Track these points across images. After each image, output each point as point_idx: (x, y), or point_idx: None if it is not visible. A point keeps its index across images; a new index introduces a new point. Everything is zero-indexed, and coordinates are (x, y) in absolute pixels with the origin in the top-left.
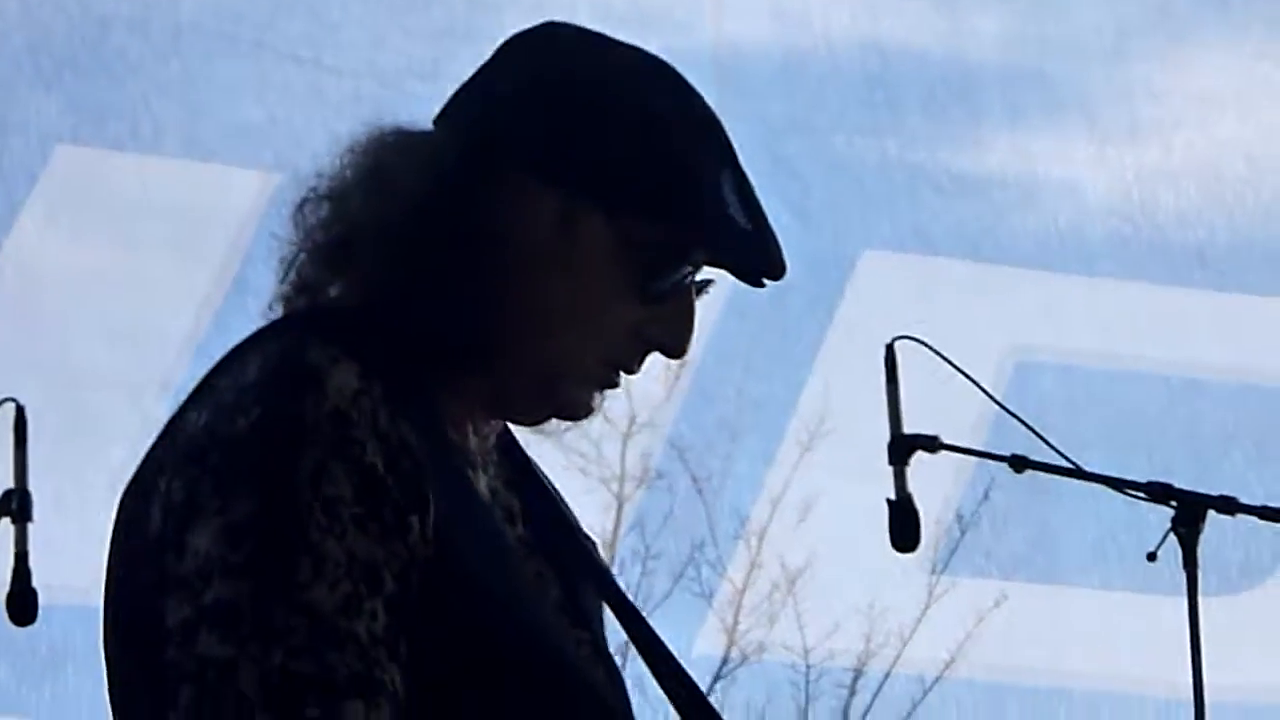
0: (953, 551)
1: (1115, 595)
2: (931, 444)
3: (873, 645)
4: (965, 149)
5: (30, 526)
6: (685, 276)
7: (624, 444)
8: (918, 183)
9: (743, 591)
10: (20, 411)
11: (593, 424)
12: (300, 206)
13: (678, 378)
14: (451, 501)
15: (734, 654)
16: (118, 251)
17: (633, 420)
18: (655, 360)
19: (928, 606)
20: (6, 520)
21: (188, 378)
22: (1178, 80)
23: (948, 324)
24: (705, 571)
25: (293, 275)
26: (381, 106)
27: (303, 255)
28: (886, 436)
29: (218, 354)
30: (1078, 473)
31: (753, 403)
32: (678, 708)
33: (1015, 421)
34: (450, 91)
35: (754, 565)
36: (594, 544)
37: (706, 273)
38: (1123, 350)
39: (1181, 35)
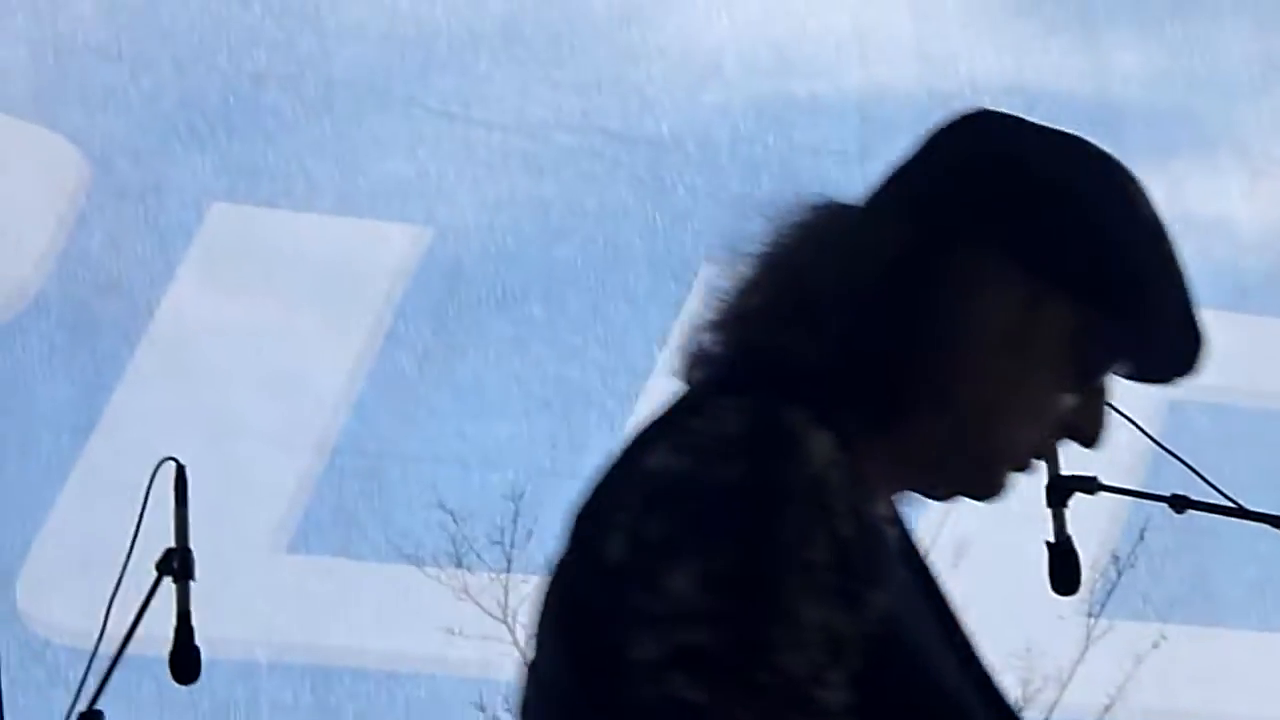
0: (1109, 594)
1: (1275, 636)
2: (1090, 485)
3: (1031, 689)
4: None
5: (191, 584)
6: (1115, 370)
7: None
8: None
9: None
10: (180, 470)
11: None
12: (739, 267)
13: None
14: (892, 578)
15: None
16: (272, 307)
17: None
18: None
19: (1086, 649)
20: (168, 579)
21: (343, 433)
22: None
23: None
24: None
25: (729, 331)
26: (530, 160)
27: (743, 313)
28: (1044, 479)
29: (375, 410)
30: (1238, 511)
31: None
32: None
33: (1171, 462)
34: (597, 141)
35: None
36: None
37: None
38: (1278, 389)
39: None
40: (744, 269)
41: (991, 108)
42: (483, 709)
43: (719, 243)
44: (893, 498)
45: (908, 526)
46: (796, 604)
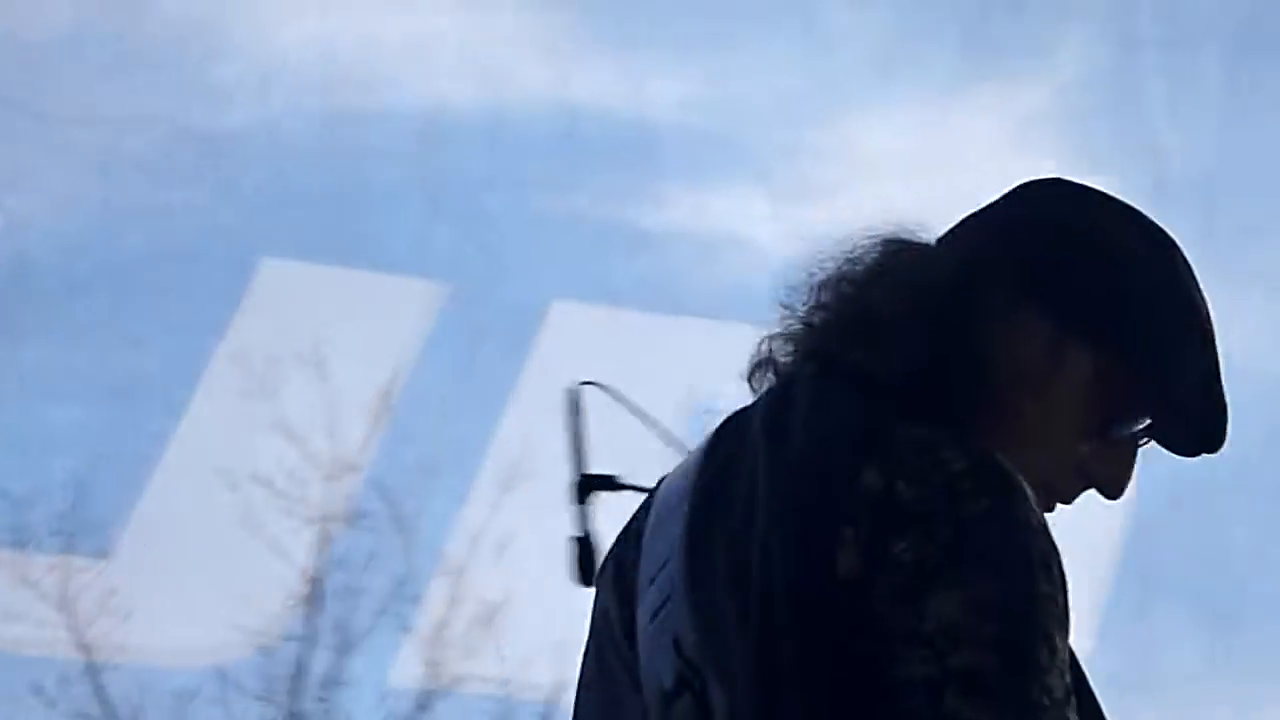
0: None
1: None
2: (611, 483)
3: (567, 677)
4: (648, 206)
5: None
6: (1140, 430)
7: (327, 485)
8: (604, 237)
9: (442, 626)
10: None
11: (296, 465)
12: (818, 283)
13: (378, 420)
14: None
15: (434, 686)
16: None
17: (336, 462)
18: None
19: None
20: None
21: None
22: (843, 144)
23: (631, 371)
24: (406, 607)
25: (804, 342)
26: (98, 155)
27: (819, 325)
28: (571, 476)
29: None
30: None
31: (451, 445)
32: None
33: None
34: (164, 138)
35: (453, 601)
36: None
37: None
38: None
39: (846, 103)
40: (832, 287)
41: (1062, 177)
42: (40, 691)
43: (283, 240)
44: None
45: None
46: (1051, 629)
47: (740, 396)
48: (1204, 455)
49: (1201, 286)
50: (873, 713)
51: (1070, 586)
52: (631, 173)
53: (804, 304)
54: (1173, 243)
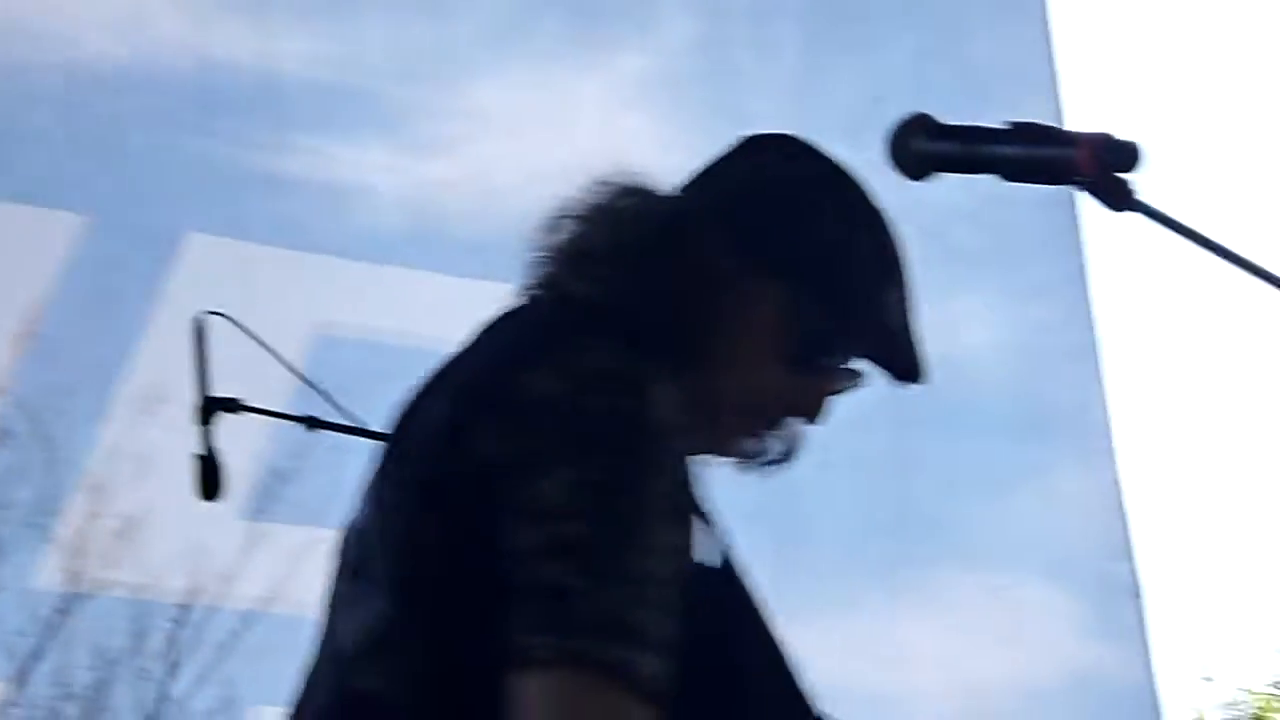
0: (269, 502)
1: None
2: (234, 406)
3: (199, 583)
4: (277, 152)
5: None
6: (834, 361)
7: None
8: (237, 179)
9: (83, 537)
10: None
11: None
12: (554, 223)
13: (21, 344)
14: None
15: (75, 590)
16: None
17: None
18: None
19: (249, 550)
20: None
21: None
22: (460, 102)
23: (260, 303)
24: (49, 520)
25: (542, 274)
26: None
27: (553, 261)
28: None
29: None
30: (367, 433)
31: (91, 368)
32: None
33: (322, 387)
34: None
35: (92, 514)
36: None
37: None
38: (413, 329)
39: (464, 64)
40: (565, 226)
41: (785, 134)
42: None
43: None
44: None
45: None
46: (654, 520)
47: (360, 328)
48: (909, 384)
49: (896, 237)
50: (492, 578)
51: (690, 499)
52: (263, 121)
53: (551, 239)
54: (865, 197)
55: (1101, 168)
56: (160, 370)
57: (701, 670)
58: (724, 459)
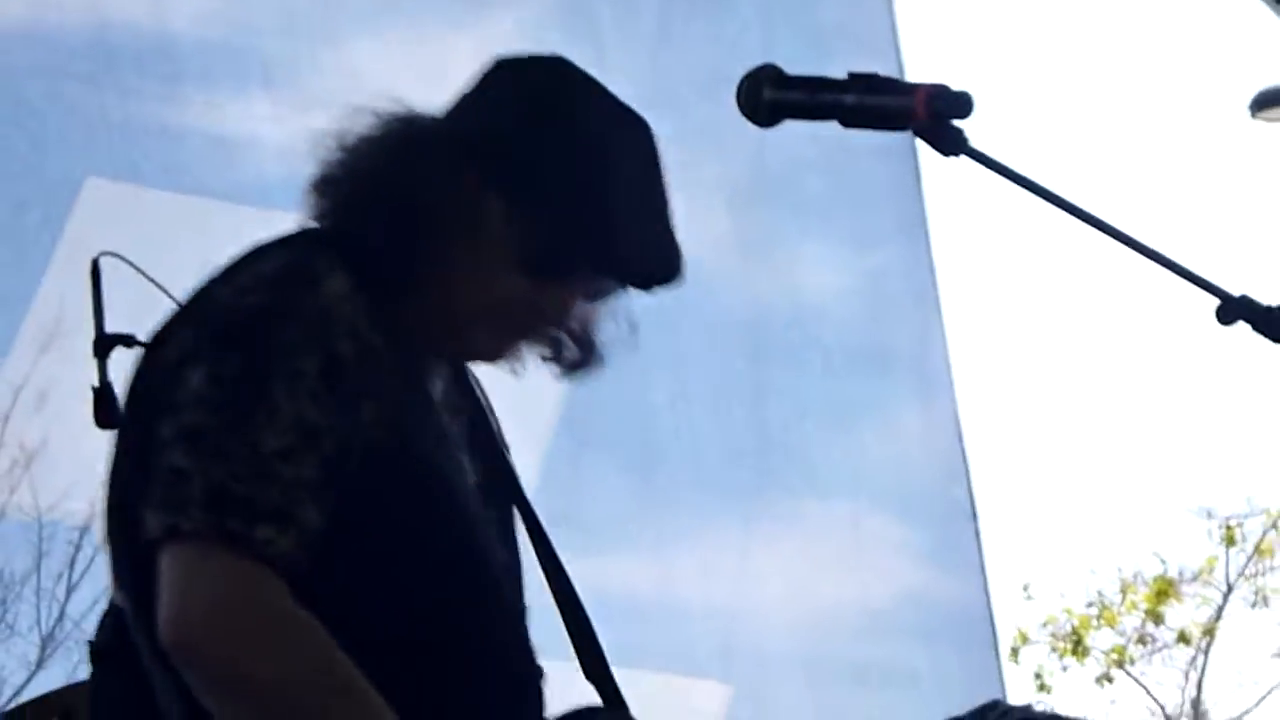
0: None
1: None
2: (129, 341)
3: (98, 508)
4: (172, 103)
5: None
6: (573, 270)
7: None
8: (134, 128)
9: None
10: None
11: None
12: (322, 153)
13: None
14: (407, 397)
15: None
16: None
17: None
18: None
19: None
20: None
21: None
22: (342, 59)
23: (155, 244)
24: None
25: (309, 200)
26: None
27: (311, 188)
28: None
29: None
30: None
31: None
32: (553, 589)
33: None
34: None
35: None
36: (508, 455)
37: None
38: None
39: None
40: (331, 154)
41: (534, 54)
42: None
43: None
44: (448, 354)
45: (468, 377)
46: (279, 398)
47: None
48: (658, 288)
49: (638, 149)
50: (143, 473)
51: (369, 371)
52: (156, 75)
53: (320, 165)
54: (603, 112)
55: (934, 115)
56: (60, 308)
57: (367, 543)
58: (497, 362)
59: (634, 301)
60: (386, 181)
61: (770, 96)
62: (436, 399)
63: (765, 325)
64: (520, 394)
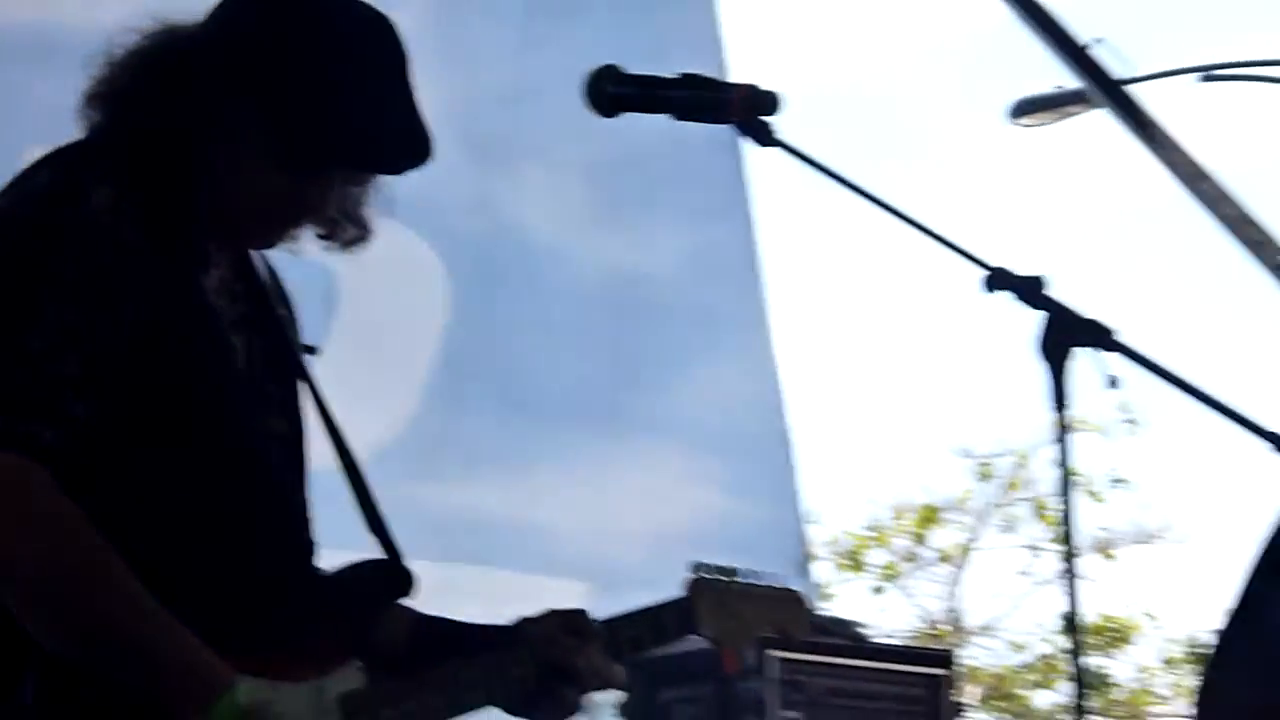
0: None
1: None
2: None
3: None
4: None
5: None
6: (325, 162)
7: None
8: None
9: None
10: None
11: None
12: (95, 70)
13: None
14: (171, 293)
15: None
16: None
17: None
18: None
19: None
20: None
21: None
22: None
23: None
24: None
25: (83, 115)
26: None
27: (85, 102)
28: None
29: None
30: None
31: None
32: (338, 453)
33: None
34: None
35: None
36: (292, 333)
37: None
38: None
39: None
40: (100, 68)
41: None
42: None
43: None
44: (236, 248)
45: (251, 264)
46: (43, 303)
47: None
48: (406, 171)
49: (375, 49)
50: None
51: (130, 275)
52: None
53: (91, 79)
54: (340, 21)
55: (748, 111)
56: None
57: (134, 431)
58: (274, 247)
59: (397, 182)
60: (147, 95)
61: (611, 91)
62: (212, 287)
63: (616, 283)
64: (405, 335)
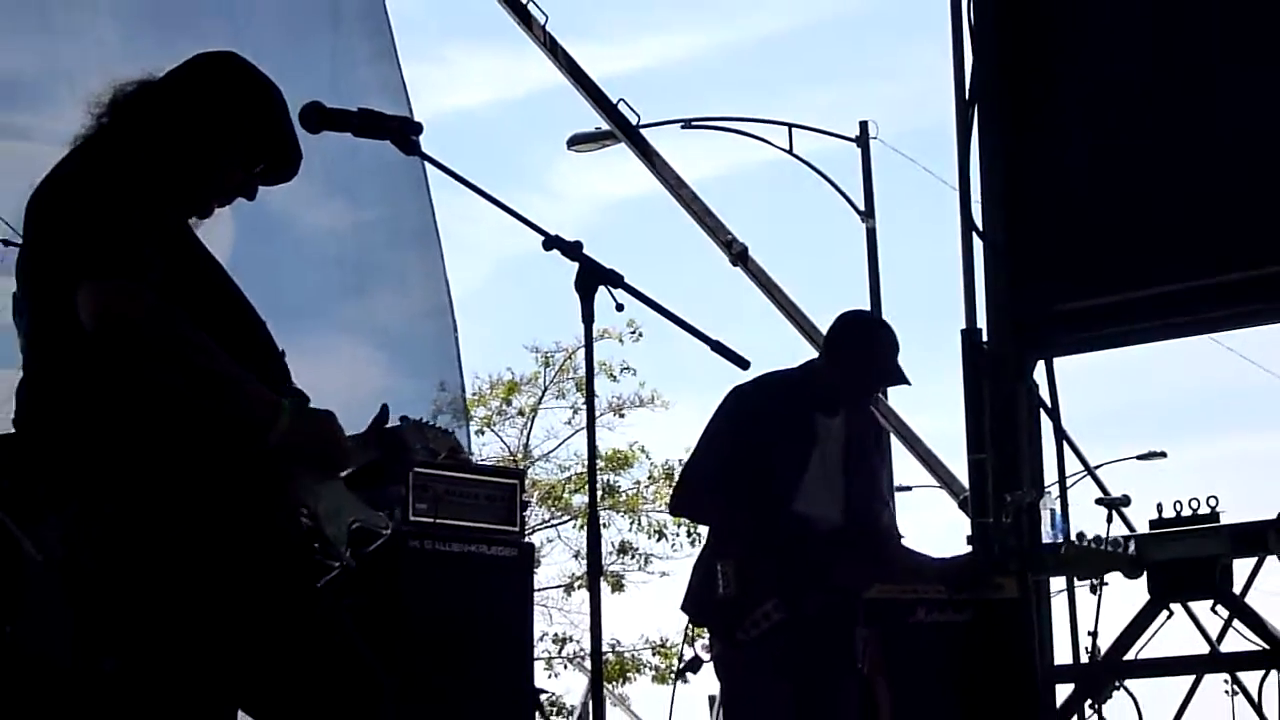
0: None
1: None
2: None
3: None
4: None
5: None
6: (257, 165)
7: None
8: None
9: None
10: None
11: None
12: (94, 110)
13: None
14: (186, 240)
15: None
16: None
17: None
18: None
19: None
20: None
21: None
22: None
23: None
24: None
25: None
26: None
27: (98, 127)
28: None
29: None
30: None
31: None
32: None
33: None
34: None
35: None
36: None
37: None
38: None
39: None
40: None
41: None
42: None
43: None
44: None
45: (192, 237)
46: (125, 215)
47: None
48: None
49: (271, 102)
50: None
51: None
52: None
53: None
54: (256, 81)
55: (400, 132)
56: None
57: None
58: (231, 199)
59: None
60: (148, 124)
61: (316, 118)
62: (196, 237)
63: (336, 236)
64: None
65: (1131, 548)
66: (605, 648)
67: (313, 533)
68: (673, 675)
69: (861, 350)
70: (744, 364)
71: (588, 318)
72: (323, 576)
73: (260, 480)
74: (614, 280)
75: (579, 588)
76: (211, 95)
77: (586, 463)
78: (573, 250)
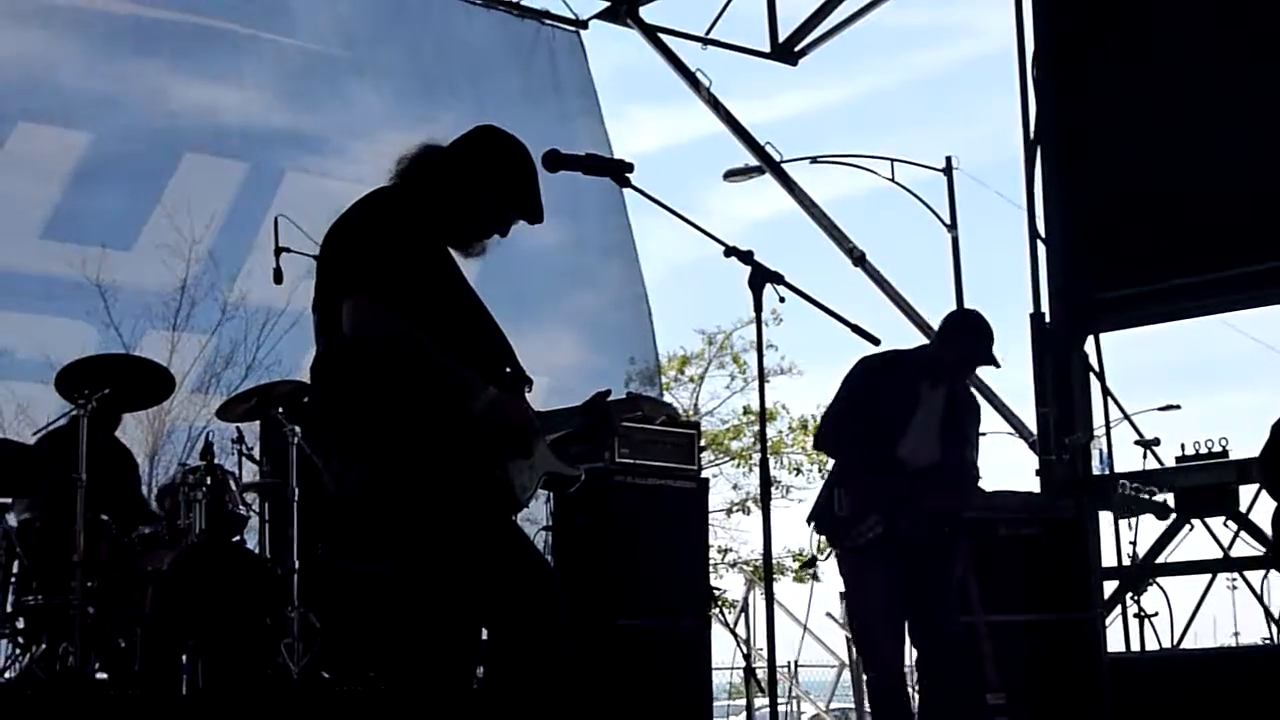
0: None
1: None
2: None
3: None
4: None
5: None
6: (510, 210)
7: None
8: None
9: None
10: None
11: None
12: (401, 160)
13: None
14: (438, 260)
15: None
16: None
17: None
18: None
19: None
20: None
21: None
22: None
23: None
24: None
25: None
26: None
27: (398, 174)
28: None
29: None
30: None
31: None
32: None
33: None
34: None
35: None
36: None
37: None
38: None
39: None
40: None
41: (489, 125)
42: None
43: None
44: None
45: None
46: (395, 243)
47: None
48: (537, 221)
49: (528, 165)
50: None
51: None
52: None
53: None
54: (514, 147)
55: (617, 171)
56: None
57: (435, 312)
58: (490, 237)
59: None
60: (433, 175)
61: (554, 161)
62: (455, 263)
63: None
64: None
65: (1160, 496)
66: (756, 556)
67: (503, 481)
68: (809, 575)
69: (966, 338)
70: (875, 340)
71: (758, 307)
72: (517, 511)
73: (478, 443)
74: (778, 279)
75: (736, 511)
76: (482, 160)
77: (744, 418)
78: (746, 257)
